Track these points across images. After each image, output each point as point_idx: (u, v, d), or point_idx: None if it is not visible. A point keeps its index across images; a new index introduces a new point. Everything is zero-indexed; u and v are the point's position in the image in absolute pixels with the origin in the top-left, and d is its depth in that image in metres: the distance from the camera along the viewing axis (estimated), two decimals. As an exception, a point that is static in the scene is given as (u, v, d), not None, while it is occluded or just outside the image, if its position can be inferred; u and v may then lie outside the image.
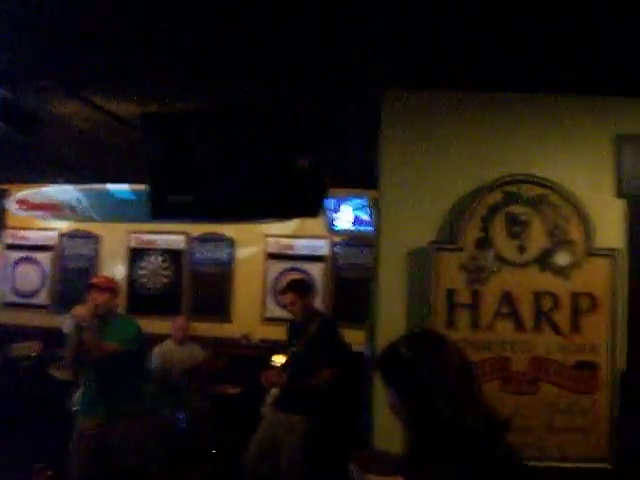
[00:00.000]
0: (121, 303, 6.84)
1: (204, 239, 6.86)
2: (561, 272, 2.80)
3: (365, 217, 6.18)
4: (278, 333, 5.18)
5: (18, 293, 7.29)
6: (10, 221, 7.31)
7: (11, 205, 6.90)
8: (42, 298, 7.24)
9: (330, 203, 6.06)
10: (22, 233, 7.34)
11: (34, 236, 7.31)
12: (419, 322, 2.75)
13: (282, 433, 4.36)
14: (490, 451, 1.52)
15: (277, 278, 6.58)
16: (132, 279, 6.98)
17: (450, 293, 2.79)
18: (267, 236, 6.70)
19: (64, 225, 7.16)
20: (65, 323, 4.63)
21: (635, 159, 2.91)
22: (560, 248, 2.81)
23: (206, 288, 6.81)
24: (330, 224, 6.34)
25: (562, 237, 2.81)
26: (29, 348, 6.47)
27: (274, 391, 4.86)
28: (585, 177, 2.93)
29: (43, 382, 5.87)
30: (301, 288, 4.76)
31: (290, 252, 6.63)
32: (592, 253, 2.80)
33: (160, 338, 6.21)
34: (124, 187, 6.34)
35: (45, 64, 3.34)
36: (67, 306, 4.28)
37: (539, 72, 2.78)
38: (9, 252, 7.38)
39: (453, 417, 1.52)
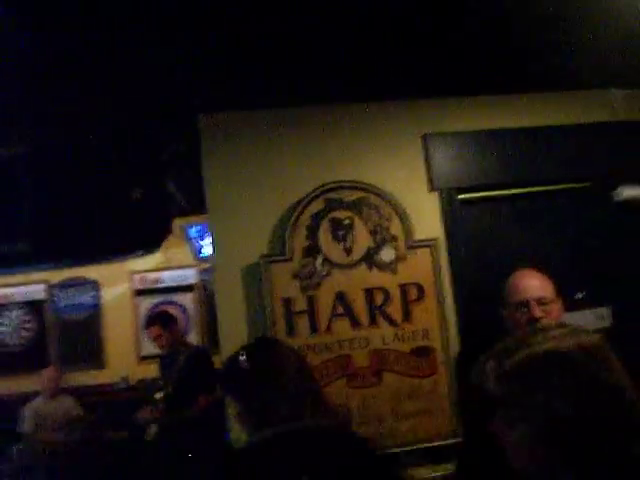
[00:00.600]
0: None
1: (66, 285, 6.45)
2: (388, 267, 2.88)
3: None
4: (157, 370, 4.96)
5: None
6: None
7: None
8: None
9: (193, 231, 5.94)
10: None
11: None
12: (260, 334, 2.72)
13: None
14: (335, 447, 1.52)
15: (149, 314, 6.31)
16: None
17: (286, 302, 2.78)
18: (132, 273, 6.43)
19: None
20: None
21: (442, 155, 3.08)
22: (384, 245, 2.90)
23: (74, 335, 6.39)
24: (197, 252, 6.20)
25: (384, 235, 2.90)
26: None
27: (153, 429, 4.63)
28: (401, 176, 3.05)
29: None
30: (165, 320, 4.61)
31: (158, 286, 6.40)
32: (413, 246, 2.92)
33: (30, 396, 5.77)
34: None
35: None
36: None
37: (347, 83, 2.87)
38: None
39: (293, 417, 1.51)
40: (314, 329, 2.78)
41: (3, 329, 6.41)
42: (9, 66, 2.40)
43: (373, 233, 2.90)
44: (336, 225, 2.87)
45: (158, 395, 4.53)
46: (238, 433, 1.96)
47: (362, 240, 2.89)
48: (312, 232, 2.85)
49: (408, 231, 2.92)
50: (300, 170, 2.96)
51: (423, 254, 2.92)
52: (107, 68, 2.48)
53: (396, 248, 2.91)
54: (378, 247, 2.89)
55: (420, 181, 3.07)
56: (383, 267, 2.88)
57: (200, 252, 6.20)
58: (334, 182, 2.91)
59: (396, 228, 2.92)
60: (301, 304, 2.79)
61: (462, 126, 3.10)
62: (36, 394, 5.72)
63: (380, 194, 2.93)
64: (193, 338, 5.92)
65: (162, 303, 6.32)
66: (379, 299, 2.85)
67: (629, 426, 0.95)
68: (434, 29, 2.40)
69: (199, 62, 2.50)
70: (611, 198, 3.19)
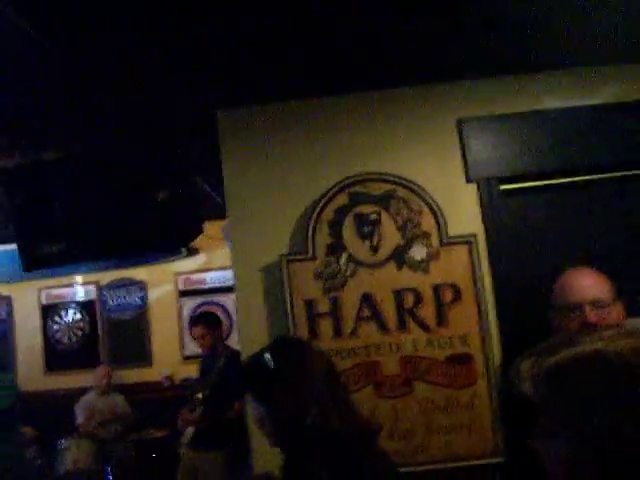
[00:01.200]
0: (38, 363, 6.35)
1: (115, 286, 6.40)
2: (419, 266, 2.53)
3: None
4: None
5: None
6: None
7: None
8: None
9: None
10: None
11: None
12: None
13: (202, 472, 3.99)
14: (360, 457, 1.37)
15: (193, 314, 6.18)
16: (47, 336, 6.44)
17: (309, 304, 2.48)
18: (177, 274, 6.30)
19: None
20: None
21: (479, 141, 2.70)
22: (414, 242, 2.55)
23: (122, 335, 6.33)
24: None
25: (415, 231, 2.55)
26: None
27: (189, 430, 4.46)
28: (433, 166, 2.68)
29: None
30: (209, 320, 4.44)
31: (202, 287, 6.24)
32: (448, 243, 2.55)
33: (82, 392, 5.76)
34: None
35: None
36: None
37: (370, 69, 2.55)
38: None
39: (320, 423, 1.36)
40: (338, 332, 2.47)
41: (58, 328, 6.42)
42: (38, 72, 2.25)
43: (402, 229, 2.56)
44: (362, 221, 2.55)
45: (198, 396, 4.36)
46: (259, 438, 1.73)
47: (390, 237, 2.55)
48: (336, 229, 2.54)
49: (442, 226, 2.56)
50: (323, 163, 2.65)
51: (459, 251, 2.56)
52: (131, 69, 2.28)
53: (428, 245, 2.55)
54: (408, 244, 2.55)
55: (455, 171, 2.69)
56: (414, 266, 2.54)
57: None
58: (359, 174, 2.59)
59: (428, 223, 2.57)
60: (324, 306, 2.49)
61: (501, 108, 2.70)
62: (88, 390, 5.72)
63: (410, 187, 2.58)
64: (234, 340, 5.72)
65: (205, 304, 6.16)
66: (409, 301, 2.51)
67: None
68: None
69: (214, 54, 2.24)
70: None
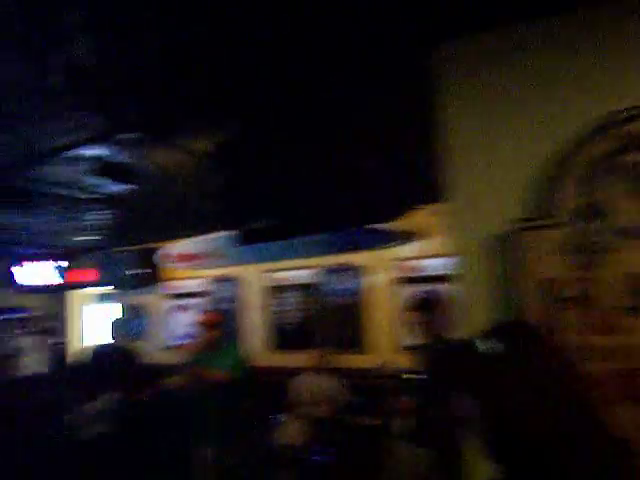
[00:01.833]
0: (262, 340, 6.51)
1: (334, 270, 6.25)
2: None
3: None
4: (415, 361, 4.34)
5: (176, 337, 7.27)
6: (165, 274, 7.43)
7: (160, 260, 6.98)
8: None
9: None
10: (177, 283, 7.39)
11: (186, 284, 7.31)
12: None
13: (410, 467, 3.53)
14: None
15: (413, 298, 5.73)
16: (270, 316, 6.59)
17: (548, 284, 1.82)
18: (394, 260, 5.89)
19: (209, 272, 7.03)
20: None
21: None
22: None
23: (339, 319, 6.17)
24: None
25: None
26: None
27: (401, 422, 4.02)
28: None
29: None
30: (430, 306, 3.93)
31: (420, 274, 5.74)
32: None
33: (298, 371, 5.72)
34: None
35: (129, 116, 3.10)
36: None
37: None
38: (168, 301, 7.45)
39: (555, 438, 0.97)
40: (589, 325, 1.76)
41: (282, 308, 6.52)
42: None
43: (694, 187, 1.74)
44: (635, 174, 1.79)
45: (411, 387, 3.87)
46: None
47: (674, 197, 1.75)
48: (592, 185, 1.83)
49: None
50: (572, 98, 1.94)
51: None
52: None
53: None
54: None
55: None
56: None
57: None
58: (631, 108, 1.82)
59: None
60: (571, 288, 1.80)
61: None
62: (305, 371, 5.66)
63: None
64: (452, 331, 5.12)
65: (423, 292, 5.62)
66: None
67: None
68: None
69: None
70: None
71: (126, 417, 4.42)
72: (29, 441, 4.74)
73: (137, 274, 7.13)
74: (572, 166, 1.84)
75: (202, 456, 3.90)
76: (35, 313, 8.20)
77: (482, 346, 1.13)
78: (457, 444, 2.70)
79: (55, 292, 8.46)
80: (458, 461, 2.65)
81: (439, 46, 2.14)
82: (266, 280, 6.66)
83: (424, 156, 2.78)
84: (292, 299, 6.46)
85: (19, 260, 7.91)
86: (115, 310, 7.88)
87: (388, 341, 5.78)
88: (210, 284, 7.09)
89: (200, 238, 6.36)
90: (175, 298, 7.40)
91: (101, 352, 4.94)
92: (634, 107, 1.79)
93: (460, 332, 2.07)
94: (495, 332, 1.15)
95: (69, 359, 5.39)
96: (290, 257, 6.32)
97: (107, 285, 7.60)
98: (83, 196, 4.67)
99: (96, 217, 5.82)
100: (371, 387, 5.36)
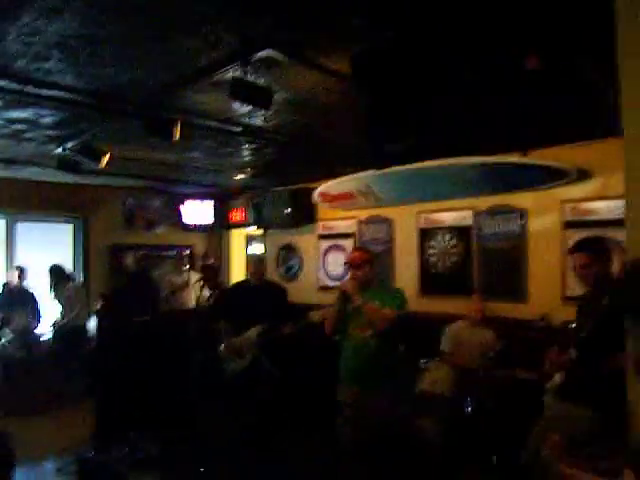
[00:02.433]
0: (413, 284, 6.27)
1: (492, 212, 5.70)
2: None
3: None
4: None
5: (330, 277, 7.30)
6: (320, 214, 7.46)
7: (316, 200, 6.99)
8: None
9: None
10: (329, 224, 7.39)
11: (338, 225, 7.27)
12: None
13: (565, 426, 3.09)
14: None
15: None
16: (423, 259, 6.27)
17: None
18: (564, 202, 5.19)
19: (363, 212, 6.89)
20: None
21: None
22: None
23: (497, 265, 5.65)
24: None
25: None
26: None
27: (558, 377, 3.55)
28: None
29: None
30: (596, 248, 3.36)
31: (592, 218, 4.97)
32: None
33: (451, 318, 5.42)
34: (409, 167, 5.69)
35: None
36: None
37: None
38: (321, 241, 7.49)
39: None
40: None
41: (434, 251, 6.19)
42: None
43: None
44: None
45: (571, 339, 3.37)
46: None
47: None
48: None
49: None
50: None
51: None
52: None
53: None
54: None
55: None
56: None
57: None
58: None
59: None
60: None
61: None
62: (456, 317, 5.37)
63: None
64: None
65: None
66: None
67: None
68: None
69: None
70: None
71: (269, 351, 4.52)
72: (186, 372, 5.11)
73: (293, 214, 7.24)
74: None
75: (345, 394, 3.79)
76: (197, 250, 8.89)
77: None
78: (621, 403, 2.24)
79: (215, 231, 9.02)
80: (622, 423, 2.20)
81: None
82: (421, 222, 6.32)
83: (600, 77, 2.23)
84: (448, 242, 6.06)
85: (183, 199, 8.52)
86: (267, 248, 8.20)
87: (553, 291, 5.16)
88: (364, 225, 6.96)
89: (355, 176, 6.20)
90: (329, 239, 7.40)
91: (249, 288, 5.07)
92: None
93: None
94: None
95: (223, 294, 5.65)
96: (445, 197, 5.92)
97: (264, 225, 7.86)
98: (234, 129, 4.72)
99: (252, 155, 5.95)
100: (532, 340, 4.85)
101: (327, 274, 7.40)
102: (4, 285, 6.78)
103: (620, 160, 3.71)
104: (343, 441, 3.69)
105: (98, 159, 5.02)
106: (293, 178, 7.28)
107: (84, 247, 8.04)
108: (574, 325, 3.46)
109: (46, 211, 7.65)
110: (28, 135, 5.04)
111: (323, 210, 7.33)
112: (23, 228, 7.55)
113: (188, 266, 7.80)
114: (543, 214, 5.37)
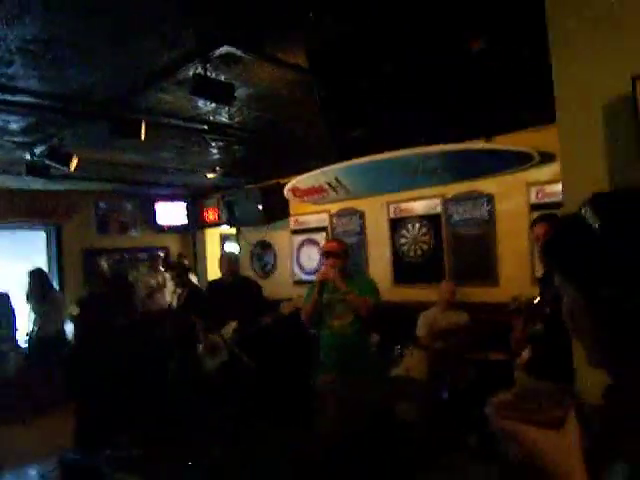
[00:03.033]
0: (386, 274, 6.37)
1: (460, 199, 5.82)
2: None
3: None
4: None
5: (305, 272, 7.37)
6: (292, 209, 7.53)
7: (287, 195, 7.04)
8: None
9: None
10: (302, 218, 7.46)
11: (311, 220, 7.34)
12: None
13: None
14: None
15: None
16: (395, 249, 6.38)
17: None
18: (530, 185, 5.32)
19: (334, 205, 6.97)
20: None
21: None
22: None
23: (467, 251, 5.77)
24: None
25: None
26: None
27: (525, 353, 3.68)
28: None
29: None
30: (553, 220, 3.50)
31: (558, 199, 5.11)
32: None
33: (425, 306, 5.52)
34: (375, 159, 5.77)
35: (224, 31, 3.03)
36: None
37: None
38: (294, 237, 7.56)
39: None
40: None
41: (406, 240, 6.29)
42: None
43: None
44: None
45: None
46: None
47: None
48: None
49: None
50: None
51: None
52: None
53: None
54: None
55: None
56: None
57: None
58: None
59: None
60: None
61: None
62: (430, 305, 5.46)
63: None
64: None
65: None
66: None
67: None
68: None
69: None
70: None
71: (248, 345, 4.57)
72: (165, 372, 5.13)
73: (265, 210, 7.28)
74: None
75: (324, 384, 3.87)
76: (172, 251, 8.89)
77: (586, 216, 0.86)
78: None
79: (188, 231, 9.04)
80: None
81: None
82: (391, 212, 6.42)
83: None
84: (419, 231, 6.18)
85: (156, 200, 8.51)
86: (240, 246, 8.24)
87: (523, 273, 5.30)
88: (336, 218, 7.05)
89: (322, 170, 6.26)
90: (303, 233, 7.48)
91: (223, 285, 5.11)
92: None
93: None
94: (596, 201, 0.88)
95: (194, 294, 5.69)
96: (413, 186, 6.01)
97: (236, 223, 7.90)
98: (199, 127, 4.75)
99: (220, 153, 5.98)
100: (503, 322, 4.98)
101: (301, 268, 7.48)
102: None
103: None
104: (323, 428, 3.77)
105: (67, 163, 5.01)
106: (264, 175, 7.33)
107: (58, 253, 7.99)
108: (537, 300, 3.60)
109: (18, 219, 7.58)
110: (-4, 142, 5.03)
111: (295, 205, 7.38)
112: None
113: (163, 268, 7.79)
114: (510, 198, 5.51)
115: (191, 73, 3.37)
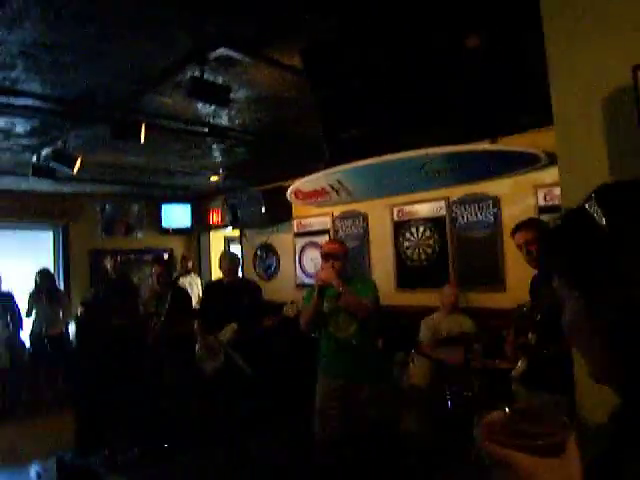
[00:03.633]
0: (390, 278, 6.32)
1: (465, 201, 5.75)
2: None
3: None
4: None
5: (307, 275, 7.36)
6: (294, 212, 7.52)
7: (290, 198, 7.02)
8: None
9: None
10: (305, 221, 7.44)
11: (313, 222, 7.32)
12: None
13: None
14: None
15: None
16: (398, 252, 6.32)
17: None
18: (537, 187, 5.25)
19: (335, 208, 6.94)
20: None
21: None
22: None
23: (473, 254, 5.69)
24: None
25: None
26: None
27: (521, 363, 3.63)
28: None
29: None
30: (538, 226, 3.50)
31: (566, 201, 5.05)
32: None
33: (428, 310, 5.45)
34: (378, 160, 5.72)
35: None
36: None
37: None
38: (297, 239, 7.55)
39: None
40: None
41: (409, 244, 6.24)
42: None
43: None
44: None
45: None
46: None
47: None
48: None
49: None
50: None
51: None
52: None
53: None
54: None
55: None
56: None
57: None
58: None
59: None
60: None
61: None
62: (436, 309, 5.40)
63: None
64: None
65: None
66: None
67: None
68: None
69: None
70: None
71: (248, 348, 4.53)
72: (162, 374, 5.13)
73: (268, 213, 7.27)
74: None
75: (326, 389, 3.80)
76: (176, 253, 8.93)
77: (590, 211, 0.79)
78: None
79: (193, 233, 9.06)
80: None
81: None
82: (395, 215, 6.36)
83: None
84: (423, 234, 6.12)
85: (160, 203, 8.55)
86: (244, 249, 8.23)
87: (529, 277, 5.23)
88: (339, 221, 7.01)
89: (325, 172, 6.22)
90: (305, 236, 7.45)
91: (222, 286, 5.06)
92: None
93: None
94: (601, 196, 0.80)
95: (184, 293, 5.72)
96: (417, 189, 5.95)
97: (239, 225, 7.89)
98: (201, 129, 4.75)
99: (223, 156, 5.99)
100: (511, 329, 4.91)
101: (304, 271, 7.45)
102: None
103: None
104: (325, 435, 3.70)
105: (71, 166, 5.05)
106: (268, 177, 7.32)
107: (64, 254, 8.06)
108: (526, 308, 3.55)
109: (26, 220, 7.67)
110: (3, 145, 5.09)
111: (298, 208, 7.35)
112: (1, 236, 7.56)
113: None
114: (516, 200, 5.42)
115: (189, 75, 3.38)
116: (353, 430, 3.63)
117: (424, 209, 6.08)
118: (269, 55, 3.30)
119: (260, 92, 3.96)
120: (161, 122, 4.49)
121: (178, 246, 9.08)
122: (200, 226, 8.86)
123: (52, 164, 5.22)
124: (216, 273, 8.87)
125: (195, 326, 4.96)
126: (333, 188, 6.27)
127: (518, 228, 3.44)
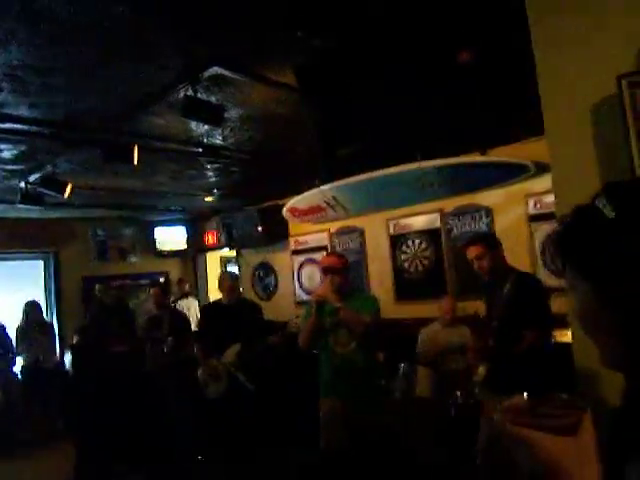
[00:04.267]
0: (388, 291, 6.34)
1: (458, 212, 5.83)
2: None
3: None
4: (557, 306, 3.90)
5: (306, 292, 7.35)
6: (291, 230, 7.55)
7: (286, 216, 7.04)
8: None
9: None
10: (301, 239, 7.47)
11: (310, 239, 7.35)
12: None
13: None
14: None
15: (545, 242, 5.17)
16: (396, 266, 6.36)
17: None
18: (527, 196, 5.33)
19: (332, 224, 6.98)
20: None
21: None
22: None
23: (468, 265, 5.71)
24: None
25: None
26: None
27: (482, 369, 3.69)
28: None
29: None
30: (487, 241, 3.69)
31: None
32: None
33: (427, 322, 5.47)
34: (371, 176, 5.78)
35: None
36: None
37: None
38: (295, 257, 7.56)
39: None
40: None
41: (406, 257, 6.28)
42: None
43: None
44: None
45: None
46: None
47: None
48: None
49: None
50: None
51: None
52: None
53: None
54: None
55: None
56: None
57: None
58: None
59: None
60: None
61: None
62: (432, 320, 5.43)
63: None
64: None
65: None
66: None
67: None
68: None
69: None
70: None
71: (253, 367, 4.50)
72: (165, 400, 5.08)
73: (264, 232, 7.28)
74: None
75: (329, 407, 3.76)
76: (172, 276, 8.89)
77: (599, 205, 0.83)
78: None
79: (188, 255, 9.04)
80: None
81: None
82: (391, 228, 6.42)
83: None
84: (419, 247, 6.16)
85: (154, 226, 8.54)
86: (242, 269, 8.22)
87: (526, 285, 5.27)
88: (335, 236, 7.05)
89: (320, 189, 6.27)
90: (303, 253, 7.48)
91: (222, 307, 5.03)
92: None
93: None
94: (609, 192, 0.84)
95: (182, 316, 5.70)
96: (411, 202, 6.02)
97: (235, 245, 7.90)
98: (194, 149, 4.78)
99: (217, 176, 6.02)
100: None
101: (303, 289, 7.47)
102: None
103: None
104: (331, 450, 3.67)
105: (61, 191, 5.03)
106: (263, 196, 7.36)
107: (56, 282, 8.00)
108: (482, 315, 3.68)
109: (15, 249, 7.61)
110: (-11, 171, 5.05)
111: (294, 226, 7.40)
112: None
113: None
114: (508, 210, 5.51)
115: (182, 95, 3.41)
116: (358, 444, 3.60)
117: (419, 222, 6.15)
118: (262, 73, 3.35)
119: (253, 110, 4.00)
120: (154, 143, 4.51)
121: (174, 269, 9.06)
122: (196, 248, 8.85)
123: (41, 190, 5.18)
124: (213, 295, 8.89)
125: (195, 350, 4.91)
126: (329, 204, 6.31)
127: (468, 244, 3.67)
